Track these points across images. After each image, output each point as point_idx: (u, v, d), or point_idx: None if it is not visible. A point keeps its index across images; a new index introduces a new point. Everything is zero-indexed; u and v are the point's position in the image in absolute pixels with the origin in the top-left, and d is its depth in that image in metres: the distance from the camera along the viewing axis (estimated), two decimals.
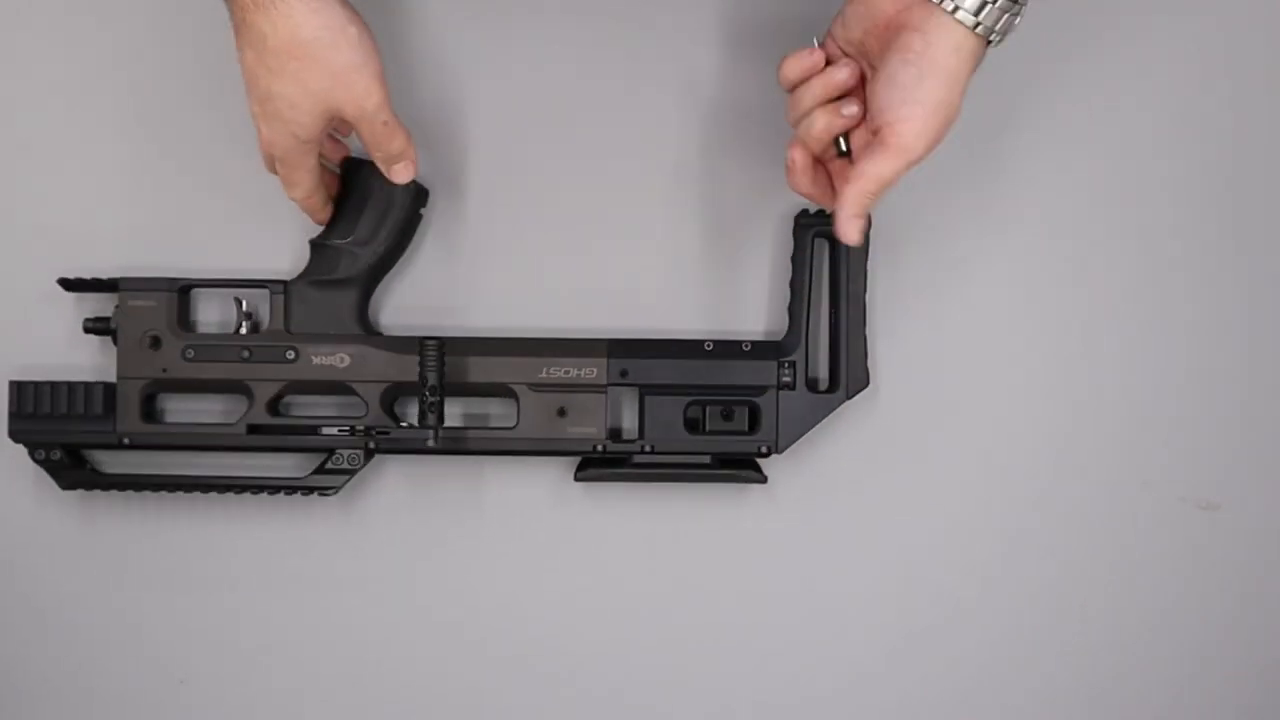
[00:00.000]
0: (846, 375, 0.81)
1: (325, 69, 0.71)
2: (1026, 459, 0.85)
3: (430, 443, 0.79)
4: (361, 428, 0.80)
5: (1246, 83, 0.85)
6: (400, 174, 0.77)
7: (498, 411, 0.84)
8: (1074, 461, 0.85)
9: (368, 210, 0.80)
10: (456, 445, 0.81)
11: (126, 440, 0.80)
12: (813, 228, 0.81)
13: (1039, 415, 0.85)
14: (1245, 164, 0.85)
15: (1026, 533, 0.85)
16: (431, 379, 0.77)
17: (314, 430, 0.81)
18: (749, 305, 0.84)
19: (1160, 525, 0.85)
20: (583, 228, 0.84)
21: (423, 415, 0.78)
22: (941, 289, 0.85)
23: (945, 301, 0.85)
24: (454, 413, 0.83)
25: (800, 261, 0.82)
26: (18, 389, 0.80)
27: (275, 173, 0.77)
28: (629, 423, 0.82)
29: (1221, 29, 0.85)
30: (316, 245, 0.80)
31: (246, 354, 0.80)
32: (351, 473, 0.81)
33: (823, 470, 0.84)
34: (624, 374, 0.81)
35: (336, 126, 0.77)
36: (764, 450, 0.81)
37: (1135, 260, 0.85)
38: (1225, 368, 0.85)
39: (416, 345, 0.79)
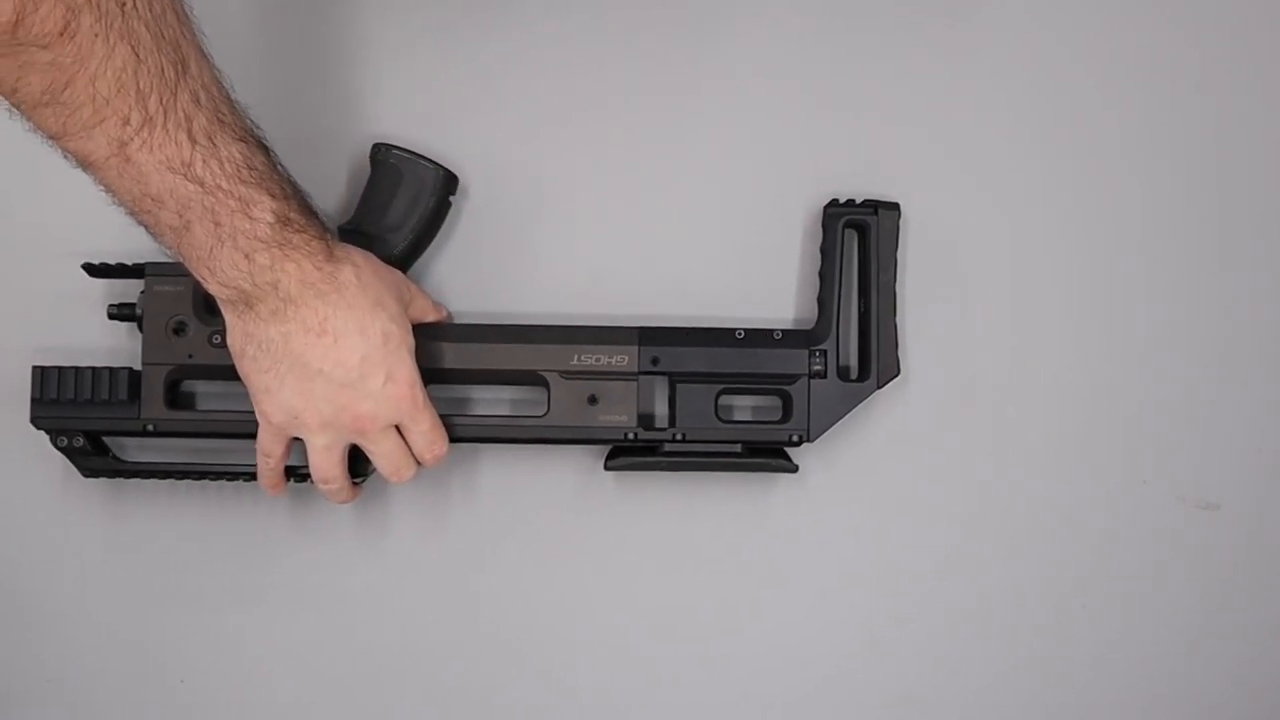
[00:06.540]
0: (877, 364, 0.81)
1: (390, 283, 0.75)
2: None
3: None
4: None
5: (1252, 78, 0.86)
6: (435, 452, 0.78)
7: (528, 398, 0.83)
8: (1078, 461, 0.86)
9: (398, 197, 0.80)
10: (487, 434, 0.80)
11: (150, 427, 0.79)
12: (842, 217, 0.81)
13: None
14: (1248, 165, 0.86)
15: (1033, 530, 0.85)
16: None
17: None
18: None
19: (1160, 525, 0.86)
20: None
21: None
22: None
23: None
24: (484, 400, 0.83)
25: (830, 251, 0.82)
26: (41, 374, 0.79)
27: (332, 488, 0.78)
28: (660, 410, 0.81)
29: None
30: (346, 232, 0.80)
31: None
32: None
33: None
34: (655, 362, 0.80)
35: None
36: (795, 439, 0.80)
37: (1141, 260, 0.86)
38: (1225, 368, 0.86)
39: (444, 333, 0.78)
